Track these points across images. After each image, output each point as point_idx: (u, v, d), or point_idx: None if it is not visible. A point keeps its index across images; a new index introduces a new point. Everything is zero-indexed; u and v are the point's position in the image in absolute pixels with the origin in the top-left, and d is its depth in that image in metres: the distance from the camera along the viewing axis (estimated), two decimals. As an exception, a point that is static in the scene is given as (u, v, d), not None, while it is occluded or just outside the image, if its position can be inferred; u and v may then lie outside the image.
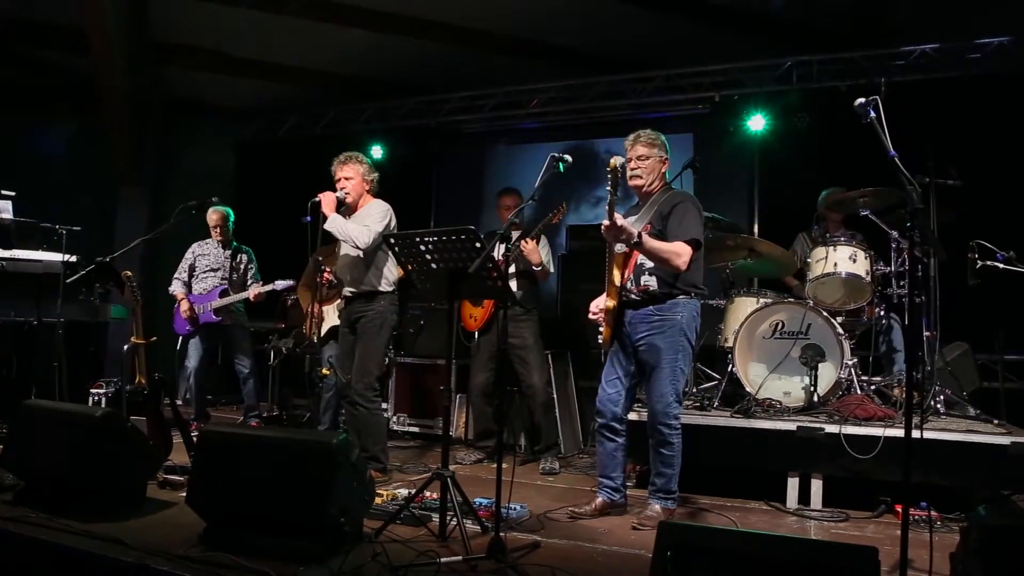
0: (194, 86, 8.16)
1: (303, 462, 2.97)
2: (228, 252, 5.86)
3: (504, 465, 4.90)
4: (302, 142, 8.37)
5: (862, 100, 2.85)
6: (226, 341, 5.87)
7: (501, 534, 2.98)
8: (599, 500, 3.85)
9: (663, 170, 3.76)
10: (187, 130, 8.40)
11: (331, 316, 5.32)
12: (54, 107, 7.63)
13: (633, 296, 3.68)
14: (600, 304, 3.75)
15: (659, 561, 2.21)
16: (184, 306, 5.65)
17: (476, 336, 5.15)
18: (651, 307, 3.64)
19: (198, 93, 8.35)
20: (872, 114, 2.79)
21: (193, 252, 5.88)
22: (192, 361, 5.72)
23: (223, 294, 5.68)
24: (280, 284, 5.64)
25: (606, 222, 3.34)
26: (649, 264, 3.63)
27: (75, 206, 7.01)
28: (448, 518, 3.26)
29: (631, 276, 3.67)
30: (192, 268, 5.84)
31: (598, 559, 3.13)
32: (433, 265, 3.27)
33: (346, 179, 4.33)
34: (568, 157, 3.42)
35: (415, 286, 3.51)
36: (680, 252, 3.49)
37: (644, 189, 3.75)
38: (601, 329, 3.73)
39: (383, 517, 3.31)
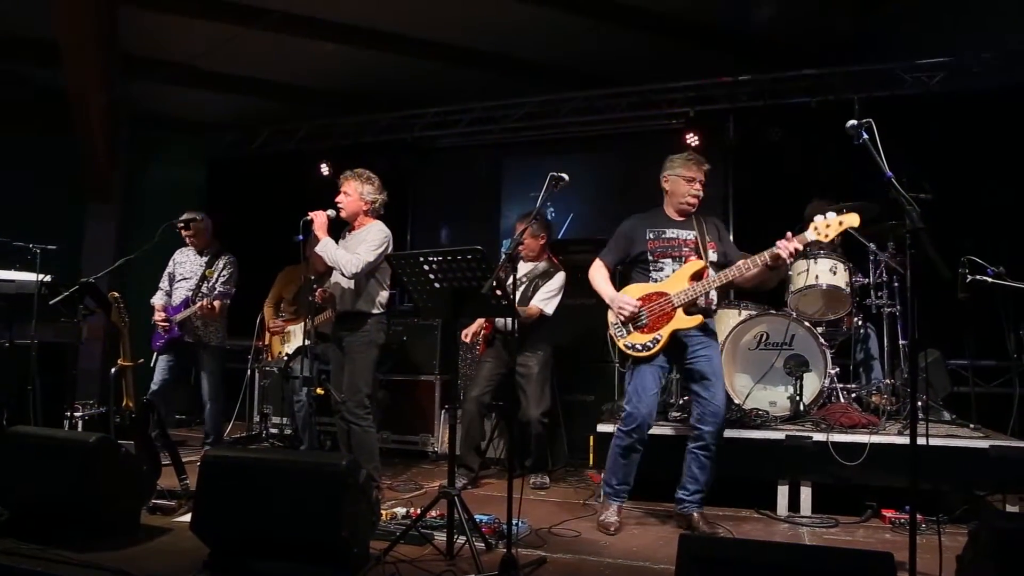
0: (165, 100, 8.02)
1: (312, 485, 2.94)
2: (204, 260, 5.54)
3: (493, 481, 5.03)
4: (274, 157, 8.31)
5: (854, 122, 2.95)
6: (192, 360, 5.54)
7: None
8: (615, 506, 3.90)
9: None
10: (157, 145, 8.25)
11: (297, 336, 5.38)
12: (20, 120, 7.41)
13: (700, 310, 3.79)
14: (633, 302, 3.77)
15: (685, 573, 2.25)
16: (158, 315, 5.38)
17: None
18: (703, 321, 3.78)
19: (169, 107, 8.21)
20: (865, 136, 2.90)
21: (174, 260, 5.63)
22: (156, 378, 5.41)
23: (187, 306, 5.37)
24: (223, 296, 5.39)
25: (800, 247, 3.48)
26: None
27: (40, 222, 6.81)
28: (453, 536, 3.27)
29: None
30: (172, 276, 5.57)
31: (605, 572, 3.17)
32: (436, 284, 3.28)
33: (344, 195, 4.32)
34: (565, 176, 3.46)
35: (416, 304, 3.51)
36: None
37: (692, 208, 3.91)
38: (659, 336, 3.75)
39: (387, 537, 3.30)
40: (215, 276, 5.49)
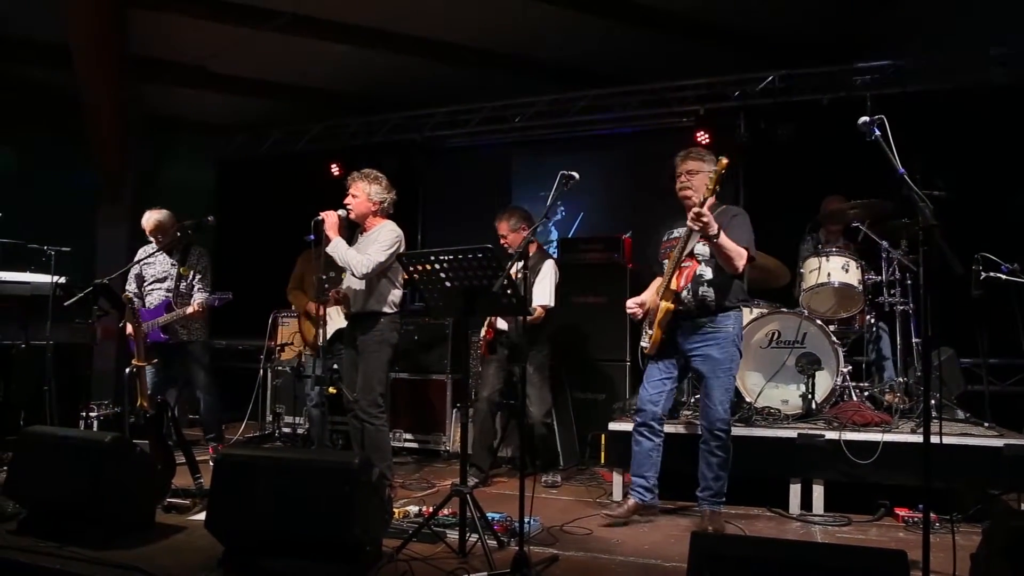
0: (175, 102, 8.08)
1: (325, 483, 2.96)
2: (175, 258, 5.29)
3: (505, 479, 5.04)
4: (285, 158, 8.35)
5: (866, 119, 2.93)
6: (179, 360, 5.30)
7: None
8: (631, 501, 3.92)
9: (711, 185, 3.79)
10: (168, 147, 8.31)
11: (337, 318, 5.08)
12: (31, 123, 7.50)
13: (688, 306, 3.78)
14: (640, 301, 3.91)
15: (696, 571, 2.25)
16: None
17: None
18: (705, 318, 3.79)
19: (179, 109, 8.27)
20: (877, 132, 2.88)
21: (139, 260, 5.25)
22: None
23: (168, 309, 5.12)
24: (217, 300, 4.99)
25: (697, 209, 3.47)
26: (708, 276, 3.78)
27: (54, 224, 6.87)
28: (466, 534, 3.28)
29: (688, 286, 3.76)
30: (141, 278, 5.29)
31: (618, 570, 3.18)
32: (447, 283, 3.29)
33: (352, 196, 4.34)
34: (576, 174, 3.47)
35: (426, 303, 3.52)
36: (743, 254, 3.68)
37: (694, 202, 3.80)
38: (649, 332, 3.82)
39: (399, 535, 3.32)
40: (191, 274, 5.27)
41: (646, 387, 3.94)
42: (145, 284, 5.31)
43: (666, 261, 3.85)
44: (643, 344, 3.90)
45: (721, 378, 3.77)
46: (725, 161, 3.54)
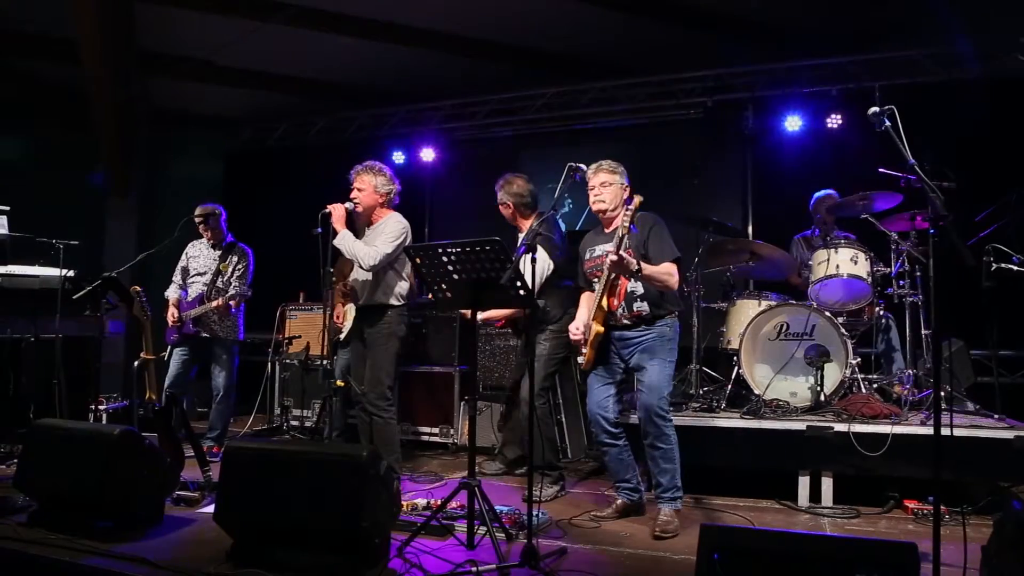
0: (182, 96, 8.09)
1: (333, 476, 2.96)
2: (218, 253, 5.41)
3: (515, 473, 5.03)
4: (292, 151, 8.36)
5: (876, 109, 2.90)
6: (206, 354, 5.39)
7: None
8: (619, 502, 3.93)
9: (624, 196, 3.83)
10: (175, 140, 8.33)
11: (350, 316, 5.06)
12: (40, 118, 7.52)
13: (625, 321, 3.77)
14: (580, 327, 3.84)
15: (705, 563, 2.25)
16: (171, 312, 5.26)
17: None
18: (640, 328, 3.77)
19: (186, 103, 8.29)
20: (887, 123, 2.85)
21: (187, 253, 5.51)
22: (170, 371, 5.23)
23: (201, 302, 5.24)
24: (231, 304, 5.16)
25: (613, 257, 3.45)
26: (640, 291, 3.74)
27: (63, 218, 6.90)
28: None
29: (622, 304, 3.72)
30: (186, 271, 5.47)
31: (627, 563, 3.17)
32: (455, 276, 3.29)
33: (358, 190, 4.33)
34: (584, 166, 3.47)
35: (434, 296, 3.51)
36: (672, 272, 3.66)
37: (608, 214, 3.84)
38: (584, 351, 3.79)
39: (408, 528, 3.32)
40: (230, 270, 5.35)
41: (591, 398, 3.89)
42: (189, 276, 5.45)
43: (595, 279, 3.81)
44: (580, 360, 3.88)
45: (656, 366, 3.69)
46: (639, 199, 3.56)
